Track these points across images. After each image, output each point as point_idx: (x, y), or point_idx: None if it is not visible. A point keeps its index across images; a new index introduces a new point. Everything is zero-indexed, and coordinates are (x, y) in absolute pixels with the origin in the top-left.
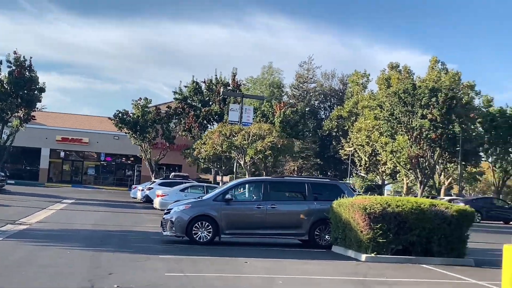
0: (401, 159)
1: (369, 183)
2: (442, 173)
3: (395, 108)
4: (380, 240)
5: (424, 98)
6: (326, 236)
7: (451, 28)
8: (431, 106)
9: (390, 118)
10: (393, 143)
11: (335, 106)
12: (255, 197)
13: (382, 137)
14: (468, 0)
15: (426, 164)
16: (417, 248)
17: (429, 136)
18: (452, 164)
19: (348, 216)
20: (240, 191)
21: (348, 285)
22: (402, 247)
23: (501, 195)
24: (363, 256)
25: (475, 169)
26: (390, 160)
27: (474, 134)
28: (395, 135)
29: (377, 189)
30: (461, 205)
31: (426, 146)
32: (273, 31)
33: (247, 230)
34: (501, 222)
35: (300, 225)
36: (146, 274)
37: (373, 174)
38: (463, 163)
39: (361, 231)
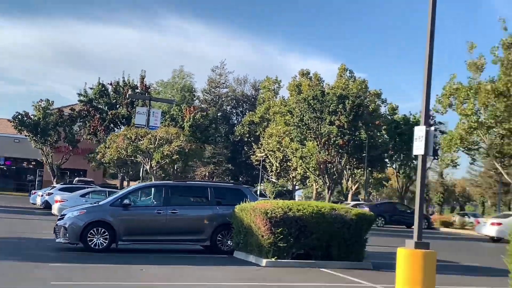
0: (310, 165)
1: (280, 188)
2: (350, 179)
3: (304, 114)
4: (281, 245)
5: (332, 105)
6: (229, 242)
7: (362, 39)
8: (339, 113)
9: (299, 124)
10: (303, 149)
11: (247, 111)
12: (155, 202)
13: (292, 143)
14: (379, 13)
15: (334, 169)
16: (317, 252)
17: (336, 142)
18: (359, 170)
19: (249, 221)
20: (140, 196)
21: None
22: (304, 252)
23: (405, 200)
24: (264, 261)
25: (380, 175)
26: (300, 166)
27: (380, 141)
28: (305, 141)
29: (288, 194)
30: (360, 210)
31: (334, 152)
32: (187, 35)
33: (146, 237)
34: (404, 226)
35: (202, 230)
36: (30, 284)
37: (284, 179)
38: (369, 169)
39: (262, 236)
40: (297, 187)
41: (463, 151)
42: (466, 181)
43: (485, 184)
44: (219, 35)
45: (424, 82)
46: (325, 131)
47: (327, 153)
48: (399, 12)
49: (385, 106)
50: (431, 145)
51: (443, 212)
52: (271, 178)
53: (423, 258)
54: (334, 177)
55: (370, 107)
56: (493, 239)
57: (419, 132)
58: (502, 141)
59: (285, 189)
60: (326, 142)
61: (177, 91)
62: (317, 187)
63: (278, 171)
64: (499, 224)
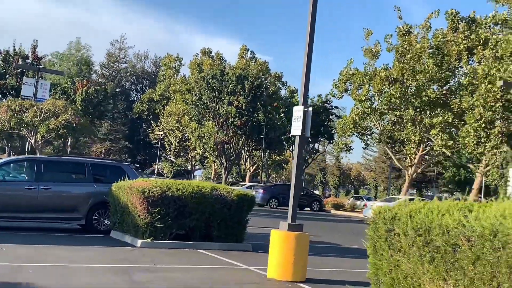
0: (208, 145)
1: (178, 168)
2: (248, 160)
3: (203, 94)
4: (158, 225)
5: (231, 85)
6: (106, 221)
7: (269, 23)
8: (238, 93)
9: (198, 103)
10: (201, 129)
11: (147, 88)
12: (27, 178)
13: (192, 122)
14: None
15: (232, 150)
16: (196, 233)
17: (234, 123)
18: (258, 151)
19: (126, 200)
20: (11, 170)
21: (109, 274)
22: (185, 232)
23: (301, 183)
24: (139, 242)
25: (279, 157)
26: (199, 146)
27: (278, 123)
28: (203, 121)
29: (186, 174)
30: (242, 190)
31: (232, 132)
32: (89, 6)
33: (15, 214)
34: (297, 208)
35: (76, 208)
36: None
37: (183, 159)
38: (268, 151)
39: (139, 216)
40: (197, 167)
41: (357, 136)
42: (361, 166)
43: (378, 169)
44: (123, 10)
45: (304, 63)
46: (223, 111)
47: (225, 133)
48: None
49: (285, 89)
50: (309, 126)
51: (338, 195)
52: (170, 157)
53: (296, 240)
54: (231, 157)
55: (270, 89)
56: None
57: (297, 112)
58: (393, 127)
59: (184, 169)
60: (224, 123)
61: (74, 63)
62: (216, 167)
63: (177, 150)
64: None
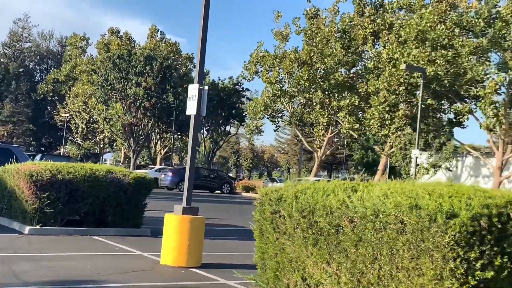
0: (116, 128)
1: (85, 151)
2: (159, 143)
3: (109, 74)
4: (48, 211)
5: (139, 66)
6: None
7: (185, 5)
8: (146, 74)
9: (104, 84)
10: (108, 111)
11: (52, 68)
12: None
13: (99, 104)
14: None
15: (140, 132)
16: (90, 218)
17: (143, 104)
18: (169, 134)
19: (13, 184)
20: None
21: None
22: (79, 218)
23: (212, 165)
24: (27, 229)
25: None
26: (107, 128)
27: None
28: (110, 102)
29: (94, 157)
30: (139, 173)
31: (141, 114)
32: None
33: None
34: (207, 191)
35: None
36: None
37: (90, 142)
38: (179, 133)
39: (27, 201)
40: (108, 151)
41: (268, 118)
42: (274, 148)
43: (290, 151)
44: None
45: (199, 40)
46: (131, 92)
47: (133, 115)
48: None
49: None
50: (204, 105)
51: (252, 177)
52: (77, 140)
53: (190, 224)
54: (141, 140)
55: (181, 70)
56: None
57: (193, 90)
58: (303, 109)
59: (91, 152)
60: (133, 104)
61: None
62: (125, 150)
63: (84, 133)
64: None
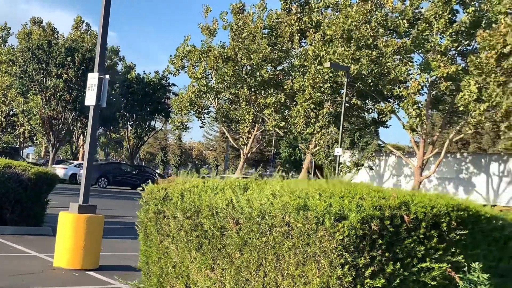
0: (35, 121)
1: (4, 145)
2: (82, 137)
3: (28, 65)
4: None
5: (60, 57)
6: None
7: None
8: (67, 66)
9: (22, 75)
10: (28, 103)
11: None
12: None
13: (18, 96)
14: None
15: (61, 126)
16: None
17: (63, 97)
18: None
19: None
20: None
21: None
22: None
23: (139, 162)
24: None
25: (115, 135)
26: (26, 121)
27: (114, 99)
28: (28, 94)
29: (13, 152)
30: (42, 168)
31: (61, 107)
32: None
33: None
34: (129, 188)
35: None
36: None
37: (10, 135)
38: (103, 128)
39: None
40: (30, 145)
41: (194, 114)
42: (202, 145)
43: (219, 148)
44: None
45: (100, 26)
46: (50, 84)
47: (52, 108)
48: None
49: (122, 64)
50: (105, 95)
51: (179, 174)
52: None
53: (86, 223)
54: (61, 134)
55: (105, 64)
56: None
57: (92, 80)
58: (230, 106)
59: (10, 146)
60: (52, 97)
61: None
62: (46, 144)
63: (4, 126)
64: None
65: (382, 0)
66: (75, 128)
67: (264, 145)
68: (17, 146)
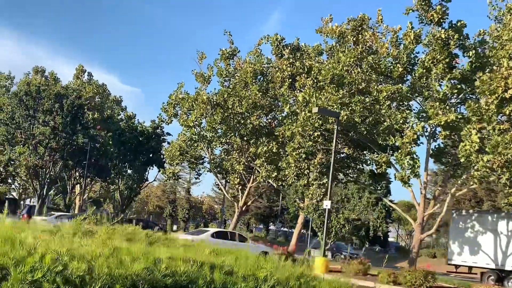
0: (20, 170)
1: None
2: (77, 187)
3: (15, 111)
4: None
5: (47, 103)
6: None
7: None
8: (55, 112)
9: (8, 122)
10: (12, 151)
11: None
12: None
13: (6, 144)
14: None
15: (48, 176)
16: None
17: (49, 145)
18: (89, 179)
19: None
20: None
21: None
22: None
23: (134, 214)
24: None
25: (113, 186)
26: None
27: (111, 149)
28: (13, 142)
29: (12, 203)
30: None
31: (47, 156)
32: None
33: None
34: None
35: None
36: None
37: (7, 186)
38: (98, 178)
39: None
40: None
41: (188, 165)
42: (211, 198)
43: (227, 202)
44: None
45: None
46: (37, 132)
47: (38, 157)
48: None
49: (123, 114)
50: None
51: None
52: None
53: None
54: (47, 184)
55: (105, 113)
56: None
57: None
58: (224, 156)
59: (9, 197)
60: (39, 144)
61: None
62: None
63: (3, 176)
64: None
65: (376, 44)
66: (71, 179)
67: (257, 197)
68: (16, 197)
